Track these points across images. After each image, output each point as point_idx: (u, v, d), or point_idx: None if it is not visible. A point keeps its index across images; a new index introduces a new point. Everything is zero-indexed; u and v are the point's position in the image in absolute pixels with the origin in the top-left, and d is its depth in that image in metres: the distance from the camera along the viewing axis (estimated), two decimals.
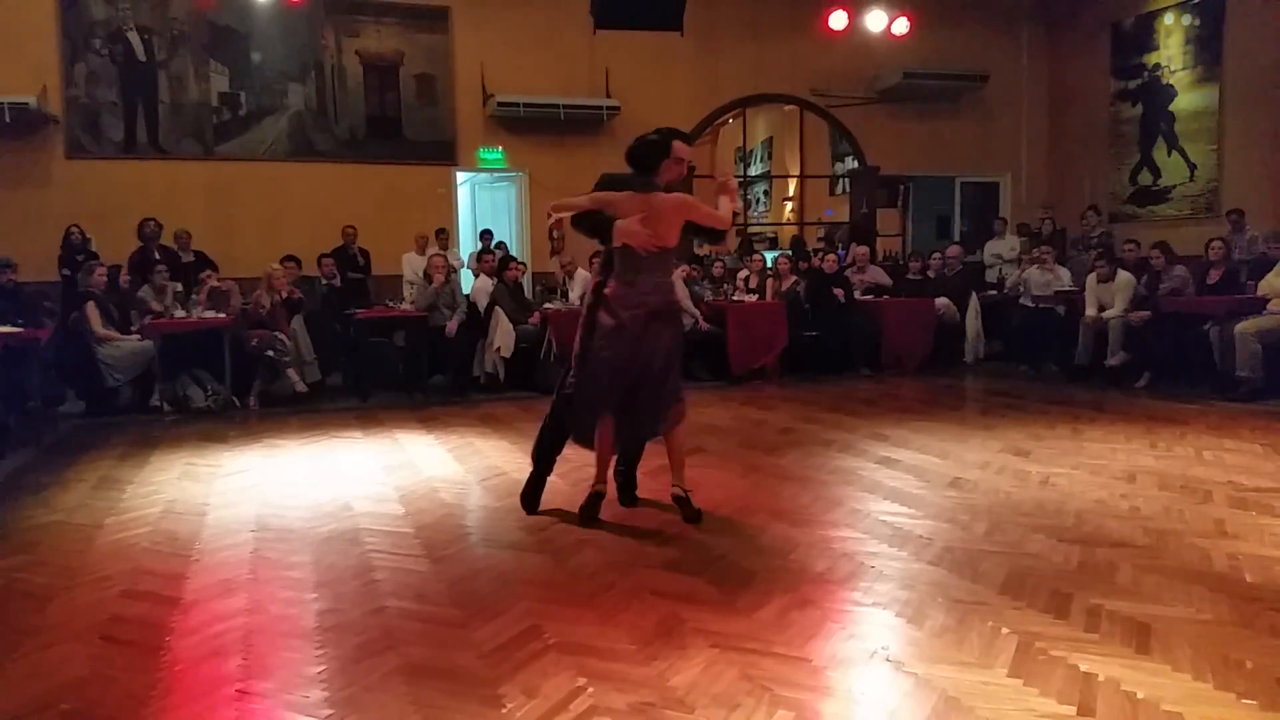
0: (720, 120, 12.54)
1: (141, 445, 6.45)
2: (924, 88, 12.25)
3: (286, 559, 3.81)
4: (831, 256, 10.12)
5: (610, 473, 4.36)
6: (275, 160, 10.69)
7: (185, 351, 7.97)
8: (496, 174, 11.93)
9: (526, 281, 10.35)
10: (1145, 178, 11.78)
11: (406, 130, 11.13)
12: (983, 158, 13.06)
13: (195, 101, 10.44)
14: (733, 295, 9.83)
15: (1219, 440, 5.91)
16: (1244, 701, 2.44)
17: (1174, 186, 11.43)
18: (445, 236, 10.65)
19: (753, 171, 14.49)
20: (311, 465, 5.73)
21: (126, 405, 8.03)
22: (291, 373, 8.27)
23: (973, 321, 10.26)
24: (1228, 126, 10.74)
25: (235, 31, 10.50)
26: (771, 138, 14.36)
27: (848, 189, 12.85)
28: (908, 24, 11.59)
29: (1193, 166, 11.18)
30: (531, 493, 4.48)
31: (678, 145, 4.19)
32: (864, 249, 10.72)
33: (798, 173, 13.33)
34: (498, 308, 8.77)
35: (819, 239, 12.62)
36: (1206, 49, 10.91)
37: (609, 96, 11.30)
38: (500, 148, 11.44)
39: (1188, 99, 11.19)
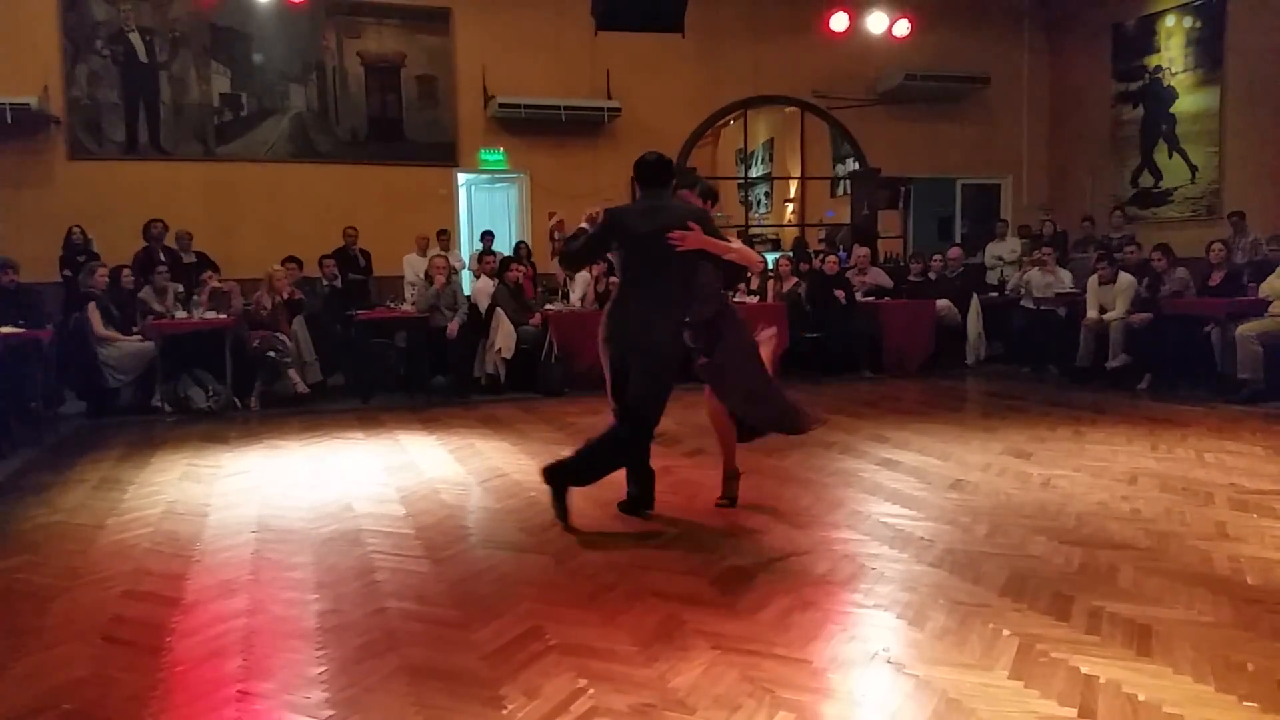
0: (721, 122, 12.54)
1: (143, 446, 6.45)
2: (925, 89, 12.24)
3: (288, 560, 3.81)
4: (833, 258, 10.12)
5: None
6: (277, 161, 10.69)
7: (186, 352, 7.98)
8: (497, 175, 11.92)
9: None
10: (1146, 180, 11.76)
11: (408, 131, 11.13)
12: (984, 160, 13.04)
13: (197, 102, 10.44)
14: (734, 297, 9.80)
15: (1220, 442, 5.90)
16: (1245, 704, 2.44)
17: (1175, 189, 11.41)
18: (446, 237, 10.65)
19: (754, 173, 14.49)
20: (312, 466, 5.73)
21: (128, 406, 8.03)
22: (293, 373, 8.27)
23: (974, 323, 10.25)
24: (1229, 128, 10.72)
25: (237, 33, 10.50)
26: (772, 139, 14.35)
27: (849, 191, 12.83)
28: (909, 26, 11.59)
29: (1194, 168, 11.16)
30: (643, 497, 4.41)
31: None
32: (865, 251, 10.71)
33: (799, 174, 13.33)
34: (499, 309, 8.78)
35: (820, 240, 12.62)
36: (1208, 51, 10.90)
37: (610, 98, 11.31)
38: (501, 149, 11.44)
39: (1189, 101, 11.18)
